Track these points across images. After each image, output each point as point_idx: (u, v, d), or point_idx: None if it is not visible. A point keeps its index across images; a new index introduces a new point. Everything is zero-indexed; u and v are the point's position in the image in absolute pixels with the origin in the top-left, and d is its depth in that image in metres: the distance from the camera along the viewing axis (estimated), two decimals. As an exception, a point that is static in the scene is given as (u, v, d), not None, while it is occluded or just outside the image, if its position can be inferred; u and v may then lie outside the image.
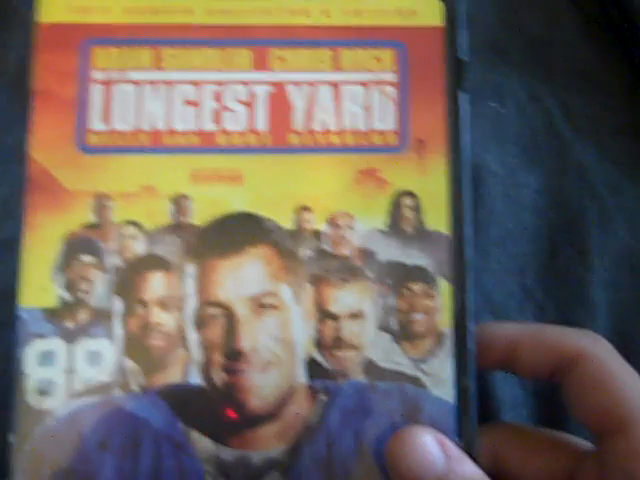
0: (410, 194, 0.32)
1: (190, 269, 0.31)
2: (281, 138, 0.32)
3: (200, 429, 0.30)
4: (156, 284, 0.31)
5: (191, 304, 0.31)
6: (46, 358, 0.31)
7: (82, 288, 0.31)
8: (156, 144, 0.32)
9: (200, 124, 0.32)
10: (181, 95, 0.33)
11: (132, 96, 0.33)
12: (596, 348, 0.30)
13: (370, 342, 0.31)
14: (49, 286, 0.31)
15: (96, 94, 0.32)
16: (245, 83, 0.33)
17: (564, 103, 0.41)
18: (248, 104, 0.33)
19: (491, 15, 0.42)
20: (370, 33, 0.33)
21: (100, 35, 0.33)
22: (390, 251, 0.32)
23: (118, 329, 0.31)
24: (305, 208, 0.32)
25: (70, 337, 0.31)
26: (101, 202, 0.32)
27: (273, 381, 0.31)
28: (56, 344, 0.31)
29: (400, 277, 0.31)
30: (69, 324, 0.31)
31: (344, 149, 0.32)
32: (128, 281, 0.31)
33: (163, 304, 0.31)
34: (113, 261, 0.31)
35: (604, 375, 0.29)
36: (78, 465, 0.30)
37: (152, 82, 0.33)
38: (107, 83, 0.32)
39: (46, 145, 0.32)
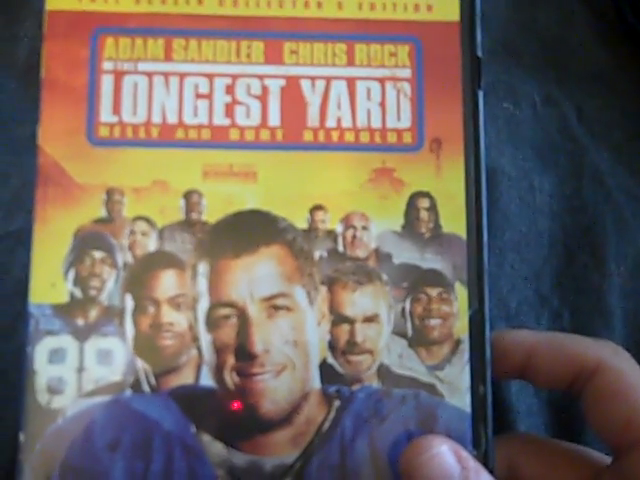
0: (426, 195, 0.31)
1: (202, 268, 0.31)
2: (295, 135, 0.32)
3: (212, 432, 0.30)
4: (167, 282, 0.31)
5: (203, 304, 0.31)
6: (56, 355, 0.30)
7: (93, 285, 0.31)
8: (167, 138, 0.32)
9: (212, 118, 0.32)
10: (192, 88, 0.32)
11: (143, 88, 0.32)
12: (616, 359, 0.30)
13: (385, 347, 0.31)
14: (59, 282, 0.31)
15: (106, 85, 0.32)
16: (257, 76, 0.32)
17: (578, 106, 0.41)
18: (261, 98, 0.32)
19: (504, 15, 0.41)
20: (385, 27, 0.32)
21: (111, 24, 0.32)
22: (405, 254, 0.31)
23: (129, 328, 0.30)
24: (319, 207, 0.31)
25: (81, 334, 0.31)
26: (112, 197, 0.31)
27: (286, 385, 0.30)
28: (67, 341, 0.30)
29: (416, 281, 0.31)
30: (80, 321, 0.31)
31: (359, 147, 0.32)
32: (139, 278, 0.31)
33: (174, 303, 0.31)
34: (124, 257, 0.31)
35: (624, 387, 0.29)
36: (87, 465, 0.30)
37: (163, 73, 0.32)
38: (117, 74, 0.32)
39: (56, 137, 0.31)
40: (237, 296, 0.30)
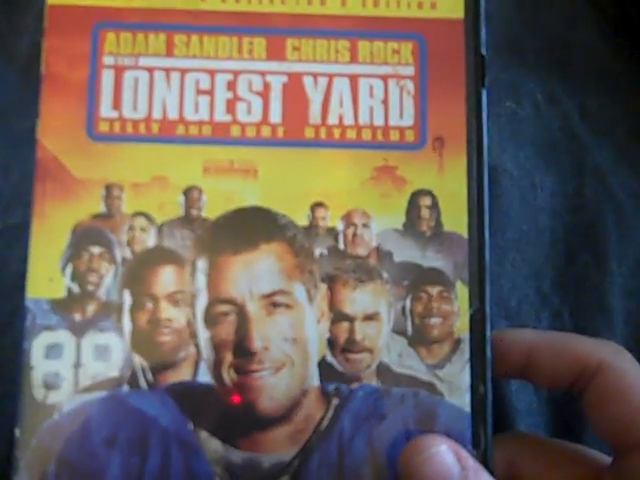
0: (428, 193, 0.31)
1: (201, 264, 0.31)
2: (296, 131, 0.31)
3: (210, 429, 0.30)
4: (166, 278, 0.31)
5: (202, 300, 0.30)
6: (53, 351, 0.30)
7: (91, 280, 0.31)
8: (168, 133, 0.31)
9: (213, 114, 0.32)
10: (193, 83, 0.32)
11: (143, 83, 0.32)
12: (617, 359, 0.29)
13: (385, 345, 0.31)
14: (57, 277, 0.31)
15: (107, 80, 0.32)
16: (259, 73, 0.32)
17: (581, 104, 0.40)
18: (262, 95, 0.32)
19: (508, 13, 0.41)
20: (388, 24, 0.32)
21: (112, 19, 0.32)
22: (406, 252, 0.31)
23: (127, 323, 0.30)
24: (320, 204, 0.31)
25: (78, 330, 0.30)
26: (111, 192, 0.31)
27: (285, 382, 0.30)
28: (64, 336, 0.30)
29: (417, 279, 0.31)
30: (77, 316, 0.30)
31: (361, 145, 0.32)
32: (137, 274, 0.31)
33: (173, 299, 0.31)
34: (123, 253, 0.31)
35: (625, 387, 0.29)
36: (84, 461, 0.29)
37: (164, 69, 0.32)
38: (118, 69, 0.32)
39: (56, 131, 0.31)
40: (236, 293, 0.30)
